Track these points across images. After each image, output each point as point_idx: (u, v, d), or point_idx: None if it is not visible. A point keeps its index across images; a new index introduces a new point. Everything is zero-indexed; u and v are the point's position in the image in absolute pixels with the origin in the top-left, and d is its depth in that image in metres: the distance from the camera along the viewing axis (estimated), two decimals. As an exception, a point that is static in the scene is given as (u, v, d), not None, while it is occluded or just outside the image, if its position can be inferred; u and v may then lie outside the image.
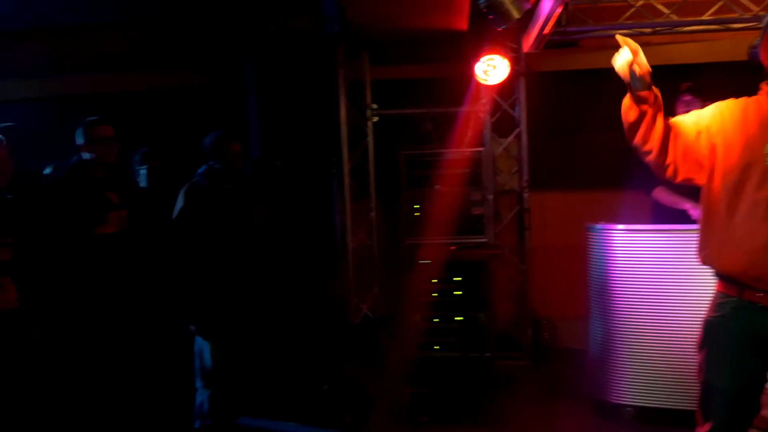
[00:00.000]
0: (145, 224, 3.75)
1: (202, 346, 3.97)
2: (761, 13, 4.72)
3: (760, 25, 2.35)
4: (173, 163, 4.50)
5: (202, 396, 3.94)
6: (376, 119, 5.35)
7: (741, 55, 4.75)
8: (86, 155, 3.59)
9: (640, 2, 4.87)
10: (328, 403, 4.36)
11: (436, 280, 4.88)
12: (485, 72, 4.89)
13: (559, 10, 4.24)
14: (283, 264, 4.58)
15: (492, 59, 4.88)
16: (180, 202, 3.93)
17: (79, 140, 3.61)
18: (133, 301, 3.63)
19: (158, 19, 4.99)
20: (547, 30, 4.21)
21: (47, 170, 4.35)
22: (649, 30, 4.91)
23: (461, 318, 4.86)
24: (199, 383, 3.96)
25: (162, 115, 5.53)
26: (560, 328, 5.54)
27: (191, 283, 3.94)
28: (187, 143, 4.41)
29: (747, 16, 4.79)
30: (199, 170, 4.10)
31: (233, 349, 4.09)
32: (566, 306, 5.02)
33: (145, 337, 3.75)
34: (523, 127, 5.31)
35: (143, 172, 4.31)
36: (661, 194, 4.18)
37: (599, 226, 4.07)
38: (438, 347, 4.88)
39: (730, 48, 5.07)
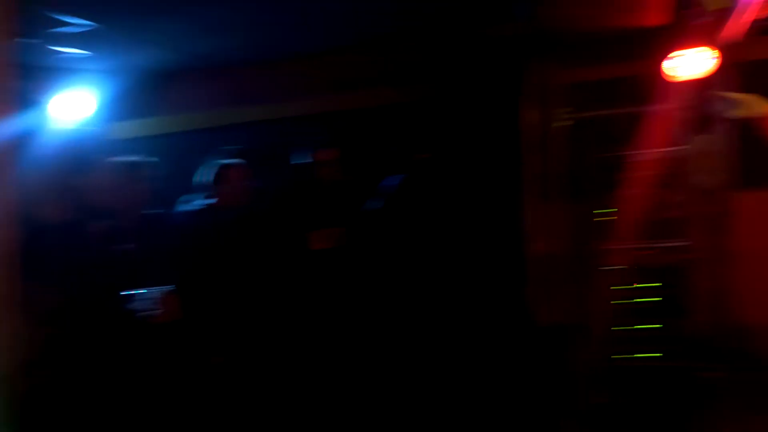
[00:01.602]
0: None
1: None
2: None
3: None
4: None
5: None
6: (567, 122, 5.25)
7: None
8: None
9: None
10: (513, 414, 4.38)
11: (630, 286, 4.74)
12: (683, 67, 4.63)
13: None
14: (465, 273, 4.64)
15: (690, 53, 4.61)
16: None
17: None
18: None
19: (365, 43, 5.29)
20: (751, 17, 3.92)
21: None
22: None
23: (658, 325, 4.68)
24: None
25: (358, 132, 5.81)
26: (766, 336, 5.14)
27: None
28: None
29: None
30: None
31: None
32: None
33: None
34: (725, 123, 4.97)
35: None
36: None
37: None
38: (630, 355, 4.74)
39: None
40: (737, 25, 4.35)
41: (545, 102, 5.22)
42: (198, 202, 4.21)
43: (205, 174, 4.28)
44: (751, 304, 5.05)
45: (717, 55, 4.54)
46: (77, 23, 4.06)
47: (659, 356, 4.60)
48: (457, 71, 4.73)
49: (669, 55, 4.63)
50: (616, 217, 4.88)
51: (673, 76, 4.65)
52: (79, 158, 3.61)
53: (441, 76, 4.81)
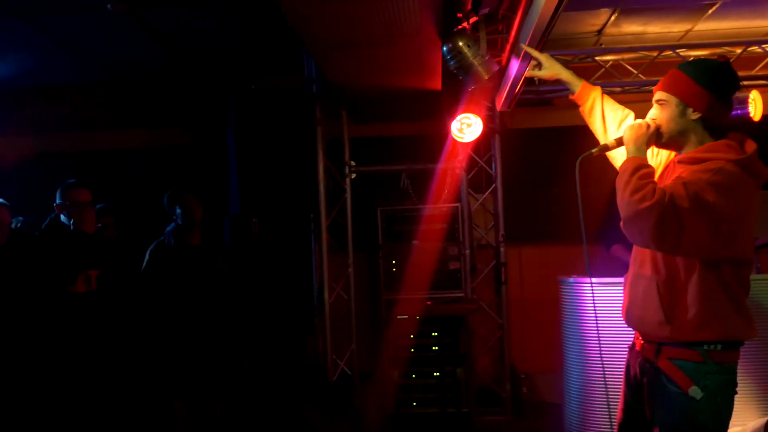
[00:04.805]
0: (116, 283, 3.82)
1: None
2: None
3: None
4: (143, 220, 4.62)
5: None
6: (353, 176, 5.44)
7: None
8: (63, 218, 3.68)
9: (610, 63, 5.07)
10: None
11: (413, 336, 4.90)
12: (460, 130, 5.00)
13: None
14: (259, 320, 4.57)
15: (467, 117, 5.00)
16: (146, 260, 4.07)
17: (57, 200, 3.71)
18: (101, 360, 3.65)
19: (145, 78, 5.17)
20: (518, 89, 4.34)
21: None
22: (618, 89, 5.09)
23: (439, 373, 4.86)
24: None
25: (146, 172, 5.69)
26: (539, 382, 5.53)
27: (158, 342, 3.97)
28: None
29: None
30: (168, 228, 4.20)
31: (202, 407, 4.07)
32: (544, 359, 5.02)
33: (113, 398, 3.74)
34: (498, 182, 5.42)
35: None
36: (620, 251, 4.33)
37: (571, 279, 4.12)
38: (416, 404, 4.86)
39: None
40: (506, 95, 4.81)
41: (334, 156, 5.38)
42: None
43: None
44: (525, 352, 5.44)
45: (483, 122, 4.97)
46: None
47: (441, 403, 4.75)
48: (247, 116, 4.75)
49: (449, 118, 5.00)
50: (400, 269, 5.07)
51: (454, 137, 5.01)
52: None
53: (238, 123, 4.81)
